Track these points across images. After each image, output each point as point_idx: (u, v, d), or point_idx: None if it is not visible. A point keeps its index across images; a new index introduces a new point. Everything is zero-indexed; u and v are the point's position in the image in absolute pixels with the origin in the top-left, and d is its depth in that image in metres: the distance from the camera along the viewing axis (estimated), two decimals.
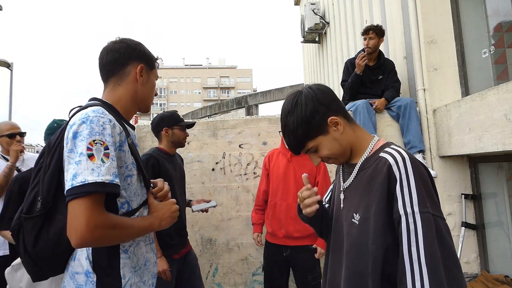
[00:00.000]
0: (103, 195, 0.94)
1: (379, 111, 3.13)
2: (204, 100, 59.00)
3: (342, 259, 1.03)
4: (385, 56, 3.46)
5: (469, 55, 2.99)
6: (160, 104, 59.18)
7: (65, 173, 0.95)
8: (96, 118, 0.97)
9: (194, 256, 2.39)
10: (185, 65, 65.08)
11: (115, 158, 0.99)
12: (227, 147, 3.30)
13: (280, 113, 1.07)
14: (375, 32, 3.14)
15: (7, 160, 2.46)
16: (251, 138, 3.29)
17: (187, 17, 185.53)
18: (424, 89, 3.03)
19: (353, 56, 3.36)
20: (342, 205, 1.08)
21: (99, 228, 0.91)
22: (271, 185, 2.49)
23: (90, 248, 1.01)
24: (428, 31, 3.02)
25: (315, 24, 6.21)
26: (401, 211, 0.87)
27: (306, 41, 6.98)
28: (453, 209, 2.86)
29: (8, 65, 10.57)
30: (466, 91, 2.95)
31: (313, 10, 6.14)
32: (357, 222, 0.98)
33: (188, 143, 3.14)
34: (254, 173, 3.25)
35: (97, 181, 0.91)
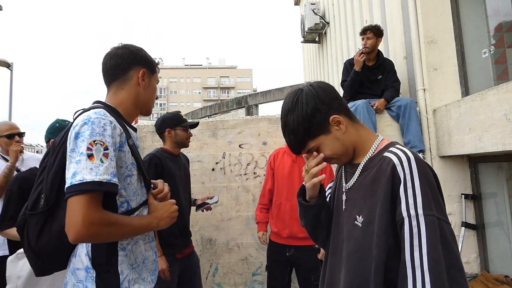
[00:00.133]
0: (100, 193, 0.98)
1: (379, 112, 3.13)
2: (204, 100, 59.01)
3: (342, 263, 0.99)
4: (385, 56, 3.46)
5: (469, 55, 2.99)
6: (160, 104, 59.21)
7: (66, 172, 1.00)
8: (98, 120, 1.02)
9: (196, 257, 2.42)
10: (185, 65, 65.10)
11: (114, 158, 1.02)
12: (227, 147, 3.30)
13: (280, 112, 1.04)
14: (373, 32, 3.15)
15: (6, 160, 2.46)
16: (251, 138, 3.29)
17: (187, 17, 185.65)
18: (424, 89, 3.03)
19: (352, 56, 3.36)
20: (344, 207, 1.04)
21: (94, 225, 0.94)
22: (276, 185, 2.49)
23: (90, 245, 1.05)
24: (428, 31, 3.02)
25: (315, 24, 6.21)
26: (404, 213, 0.83)
27: (306, 41, 6.98)
28: (453, 209, 2.86)
29: (8, 65, 10.57)
30: (466, 91, 2.95)
31: (313, 10, 6.14)
32: (360, 225, 0.94)
33: None
34: (254, 173, 3.25)
35: (95, 180, 0.95)
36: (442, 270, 0.77)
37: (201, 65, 66.28)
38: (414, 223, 0.81)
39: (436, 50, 3.01)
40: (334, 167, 2.69)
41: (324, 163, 1.01)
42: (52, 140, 1.97)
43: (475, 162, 2.87)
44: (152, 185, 1.25)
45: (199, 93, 61.82)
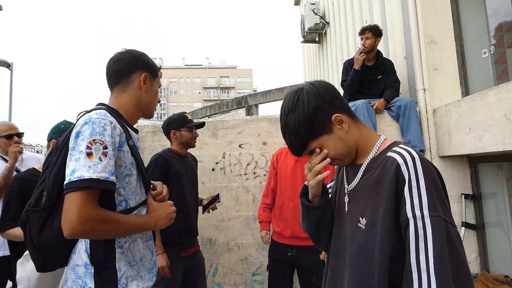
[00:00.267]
0: (97, 190, 1.01)
1: (379, 112, 3.13)
2: (204, 100, 59.02)
3: (345, 266, 0.96)
4: (385, 56, 3.46)
5: (469, 55, 2.99)
6: (160, 104, 59.19)
7: (66, 169, 1.02)
8: (98, 120, 1.05)
9: (202, 256, 2.44)
10: (185, 65, 65.12)
11: (113, 157, 1.05)
12: (227, 147, 3.30)
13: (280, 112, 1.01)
14: (371, 32, 3.15)
15: (6, 160, 2.45)
16: (251, 138, 3.29)
17: (187, 17, 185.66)
18: (424, 89, 3.03)
19: (352, 56, 3.37)
20: (346, 209, 1.00)
21: (89, 221, 0.97)
22: (279, 184, 2.49)
23: (89, 242, 1.09)
24: (428, 31, 3.02)
25: (315, 24, 6.21)
26: (409, 214, 0.80)
27: (306, 41, 6.99)
28: (453, 209, 2.86)
29: (8, 65, 10.57)
30: (466, 91, 2.95)
31: (313, 10, 6.14)
32: (363, 227, 0.91)
33: None
34: (254, 173, 3.25)
35: (92, 177, 0.98)
36: (448, 273, 0.75)
37: (201, 65, 66.29)
38: (419, 224, 0.79)
39: (436, 50, 3.01)
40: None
41: (328, 159, 0.97)
42: (54, 140, 1.98)
43: (475, 162, 2.87)
44: (151, 186, 1.26)
45: (199, 93, 61.82)
